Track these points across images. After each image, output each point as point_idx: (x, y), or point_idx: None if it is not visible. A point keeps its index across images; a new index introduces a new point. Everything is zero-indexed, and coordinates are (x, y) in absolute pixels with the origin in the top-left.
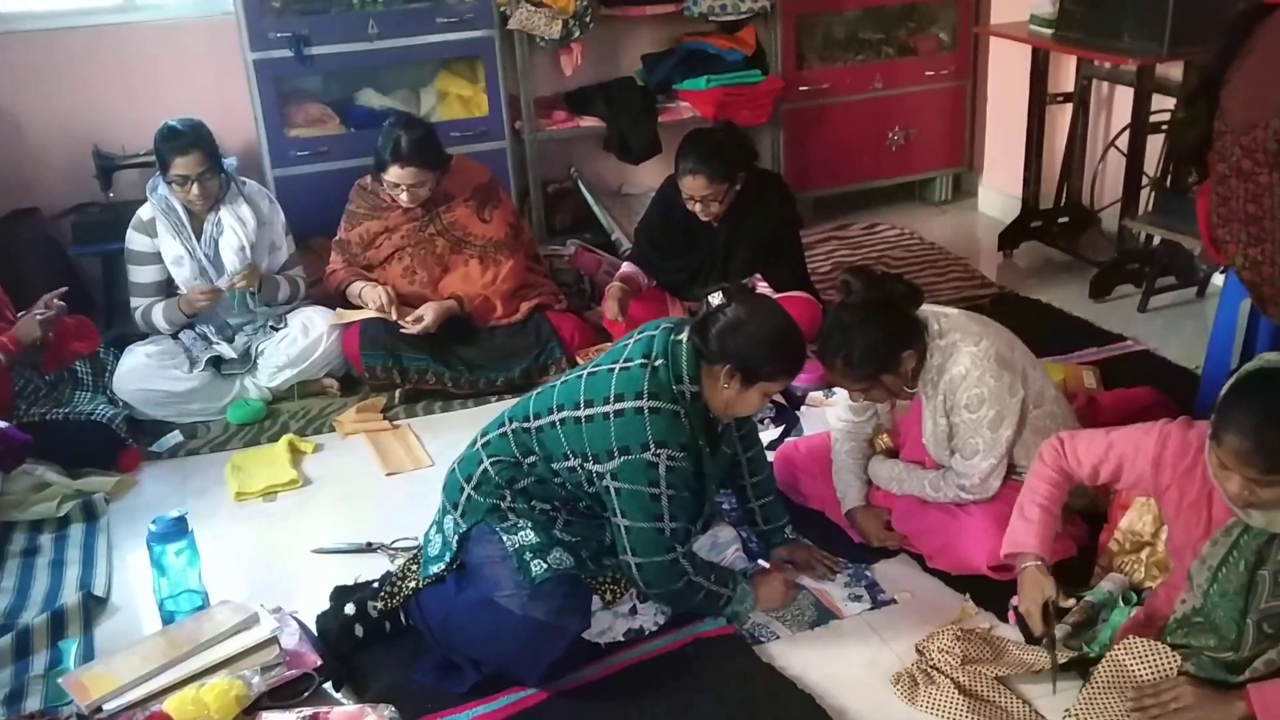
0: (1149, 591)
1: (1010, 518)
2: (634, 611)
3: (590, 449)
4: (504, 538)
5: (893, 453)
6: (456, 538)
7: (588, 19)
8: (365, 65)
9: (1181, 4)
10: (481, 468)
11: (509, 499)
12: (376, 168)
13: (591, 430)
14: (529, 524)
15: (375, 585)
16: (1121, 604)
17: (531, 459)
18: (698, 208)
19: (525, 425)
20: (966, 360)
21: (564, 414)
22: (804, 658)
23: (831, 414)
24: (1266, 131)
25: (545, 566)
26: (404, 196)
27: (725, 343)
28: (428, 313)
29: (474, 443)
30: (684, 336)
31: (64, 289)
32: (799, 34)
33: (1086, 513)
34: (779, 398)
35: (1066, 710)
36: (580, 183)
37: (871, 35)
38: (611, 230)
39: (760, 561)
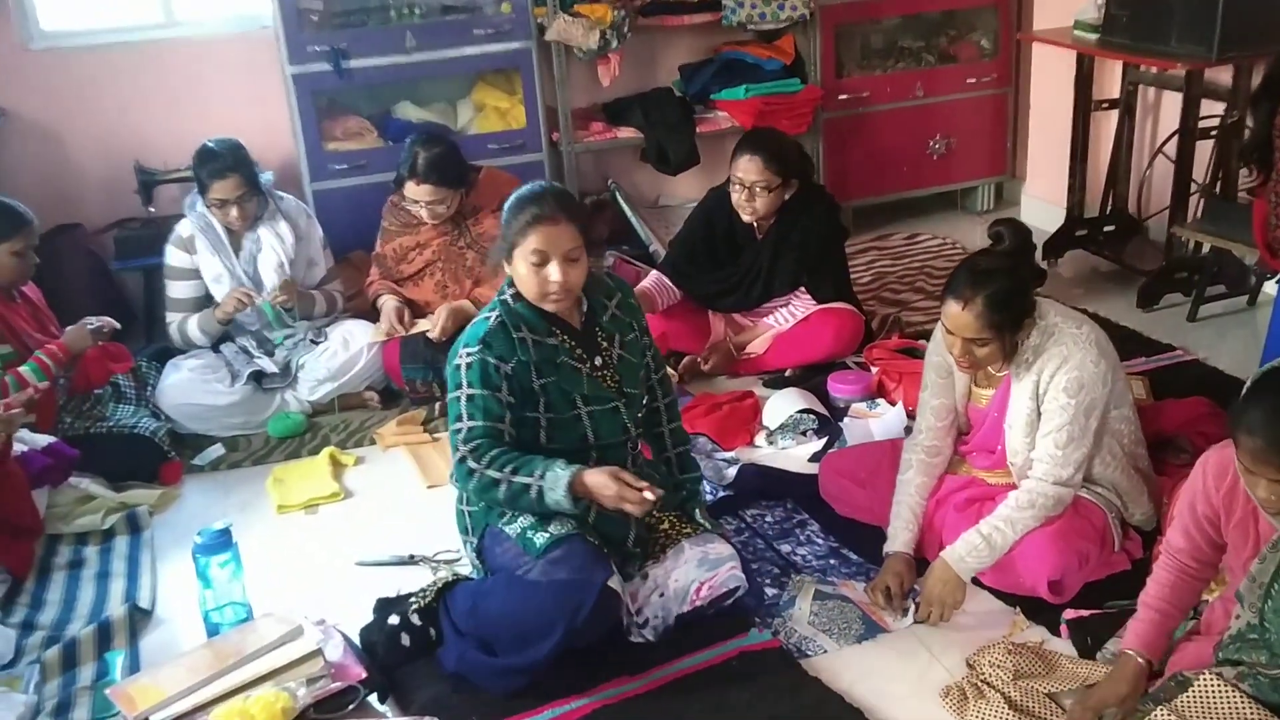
0: (1205, 605)
1: (1064, 532)
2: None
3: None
4: (506, 529)
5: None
6: (476, 555)
7: (625, 29)
8: (403, 78)
9: (1231, 8)
10: (459, 483)
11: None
12: (396, 184)
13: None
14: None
15: (398, 598)
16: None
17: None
18: (743, 198)
19: None
20: (1070, 342)
21: None
22: (852, 671)
23: (879, 428)
24: None
25: (548, 535)
26: (424, 213)
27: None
28: (440, 314)
29: None
30: None
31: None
32: (838, 42)
33: (1142, 527)
34: (822, 408)
35: None
36: (618, 194)
37: (911, 43)
38: (649, 242)
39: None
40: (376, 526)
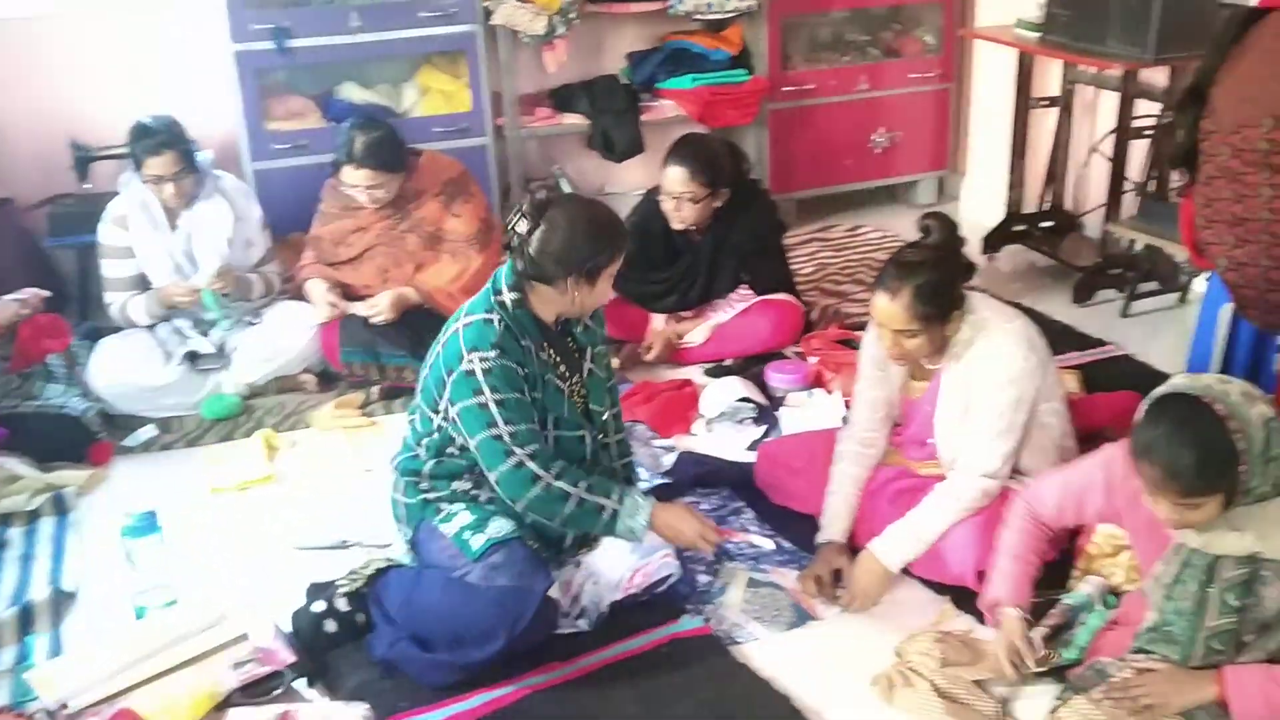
0: (1127, 595)
1: (992, 522)
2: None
3: (435, 391)
4: (441, 528)
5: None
6: (409, 545)
7: (572, 15)
8: (347, 59)
9: (1167, 10)
10: (397, 474)
11: (429, 487)
12: (334, 169)
13: (430, 373)
14: (461, 505)
15: (332, 583)
16: (1099, 607)
17: (425, 441)
18: (671, 207)
19: (415, 403)
20: (1000, 336)
21: (424, 373)
22: (781, 659)
23: (816, 417)
24: (1258, 131)
25: (486, 539)
26: (363, 197)
27: (553, 258)
28: (382, 300)
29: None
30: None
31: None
32: (785, 34)
33: None
34: (760, 397)
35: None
36: (563, 181)
37: (857, 37)
38: None
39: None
40: (310, 510)
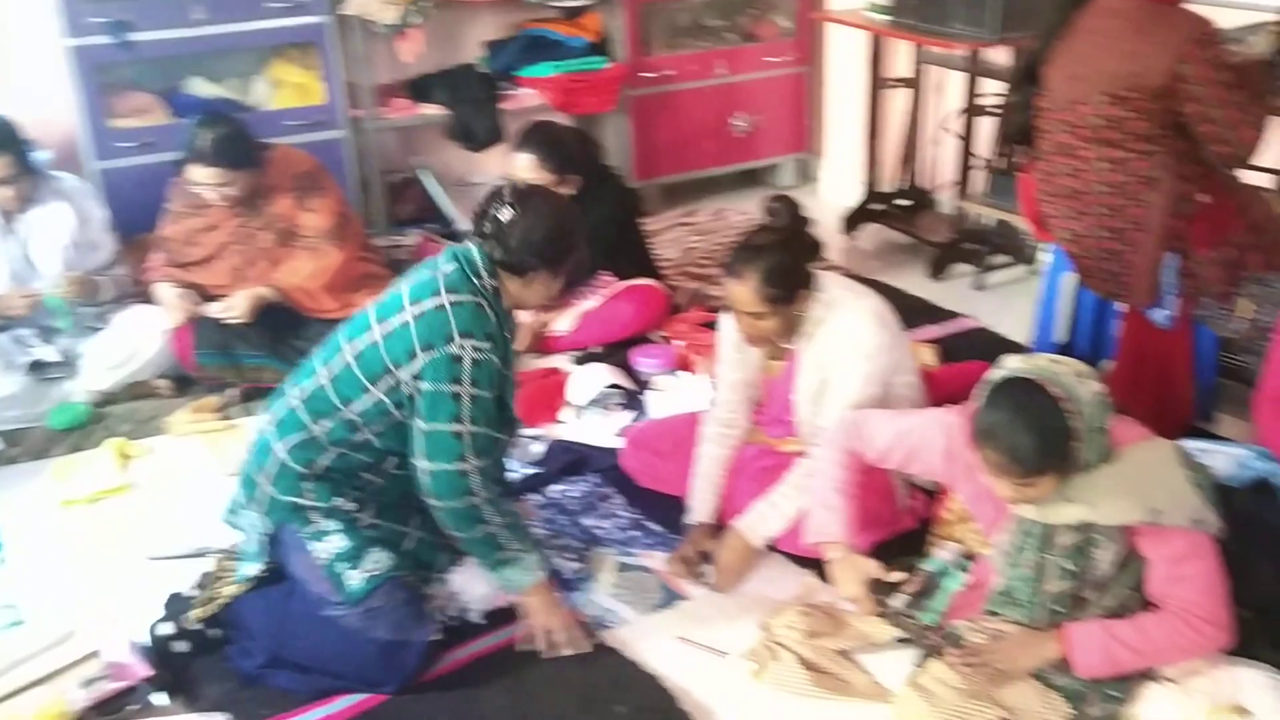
0: (979, 559)
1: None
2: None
3: (393, 359)
4: (310, 546)
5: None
6: (266, 538)
7: (426, 4)
8: (192, 52)
9: None
10: (276, 458)
11: (310, 493)
12: (179, 167)
13: (393, 341)
14: (336, 526)
15: (191, 596)
16: (956, 572)
17: (327, 422)
18: None
19: (316, 385)
20: (851, 315)
21: (359, 345)
22: (650, 639)
23: (682, 400)
24: (1090, 107)
25: (365, 577)
26: (212, 195)
27: (534, 250)
28: (238, 301)
29: (261, 430)
30: (470, 244)
31: None
32: (642, 20)
33: (927, 487)
34: (628, 382)
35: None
36: (424, 172)
37: (714, 22)
38: (457, 220)
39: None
40: (168, 519)
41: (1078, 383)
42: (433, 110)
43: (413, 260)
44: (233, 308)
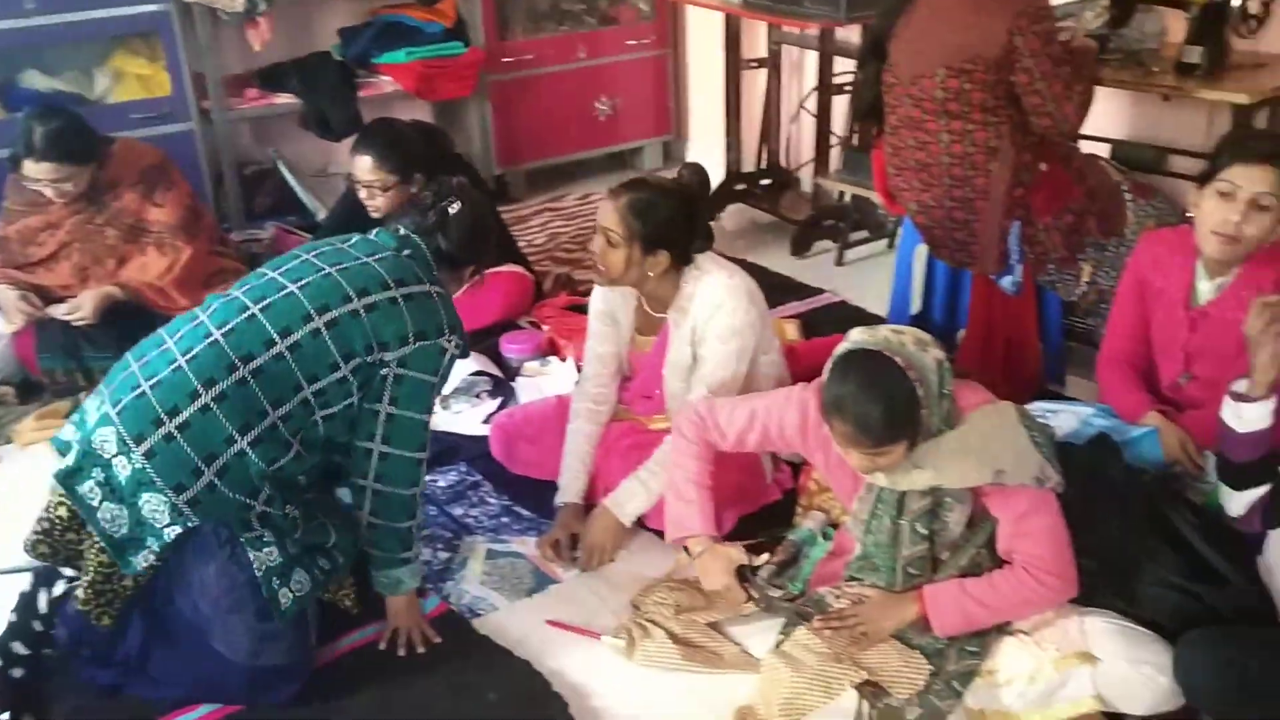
0: (841, 526)
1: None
2: None
3: (382, 336)
4: (249, 553)
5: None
6: (173, 530)
7: None
8: (26, 43)
9: None
10: (234, 448)
11: (263, 497)
12: (12, 164)
13: (379, 317)
14: (272, 537)
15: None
16: (821, 540)
17: (287, 406)
18: (365, 196)
19: (270, 356)
20: (723, 291)
21: (332, 313)
22: (523, 625)
23: (551, 385)
24: (934, 80)
25: (291, 596)
26: (50, 192)
27: (470, 246)
28: (85, 301)
29: (189, 400)
30: (405, 231)
31: None
32: (500, 5)
33: (792, 460)
34: (495, 370)
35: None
36: (280, 163)
37: (573, 6)
38: (317, 211)
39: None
40: (15, 530)
41: (920, 351)
42: (286, 100)
43: (270, 254)
44: (79, 308)
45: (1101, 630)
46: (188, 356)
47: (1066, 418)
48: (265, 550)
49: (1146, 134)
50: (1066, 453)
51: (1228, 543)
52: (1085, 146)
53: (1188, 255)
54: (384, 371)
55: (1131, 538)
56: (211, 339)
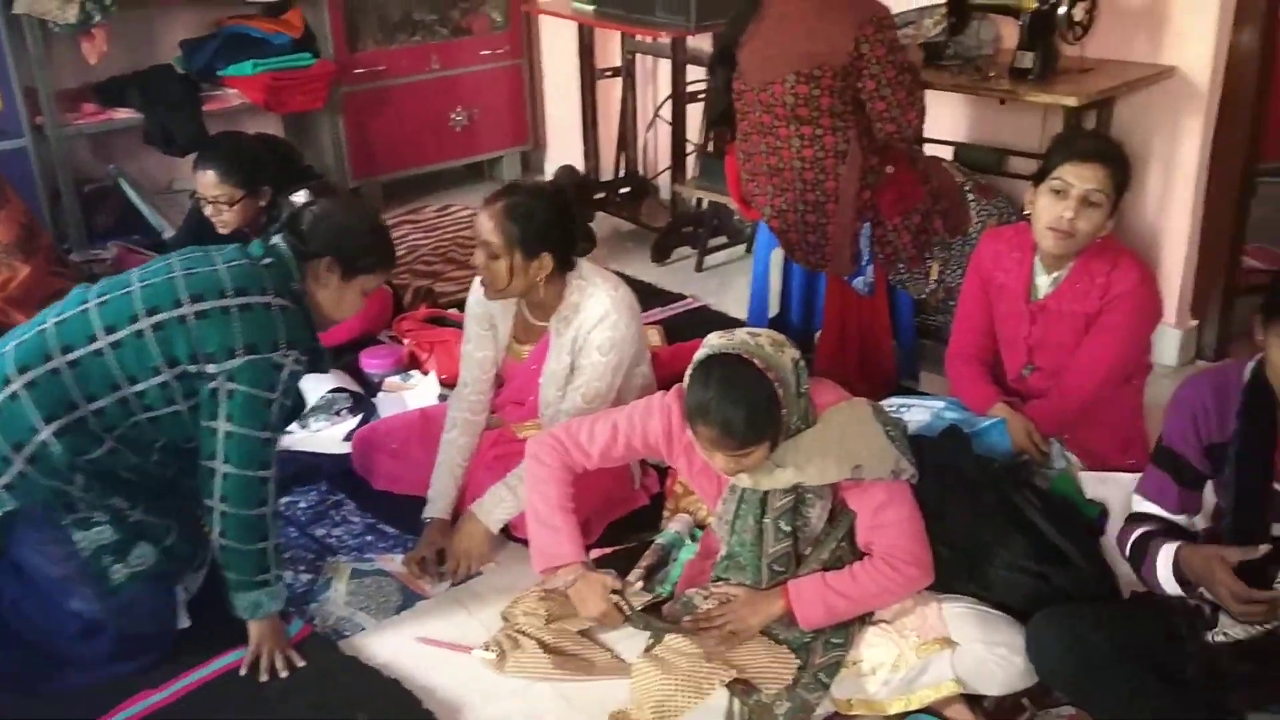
0: (708, 528)
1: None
2: None
3: (207, 346)
4: (74, 534)
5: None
6: None
7: (109, 2)
8: None
9: None
10: (37, 437)
11: (79, 482)
12: None
13: (207, 326)
14: (105, 517)
15: None
16: (689, 542)
17: (101, 402)
18: (211, 212)
19: (90, 350)
20: (607, 302)
21: (160, 316)
22: (392, 644)
23: (413, 398)
24: (783, 86)
25: (126, 572)
26: None
27: (322, 234)
28: None
29: (2, 387)
30: (277, 240)
31: None
32: (349, 16)
33: (659, 465)
34: (355, 386)
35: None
36: (121, 180)
37: (425, 16)
38: (162, 229)
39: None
40: None
41: (776, 352)
42: (127, 115)
43: (113, 273)
44: None
45: (958, 615)
46: (16, 343)
47: (919, 412)
48: (95, 529)
49: (986, 137)
50: (919, 446)
51: (1072, 526)
52: (929, 149)
53: (1026, 251)
54: (213, 385)
55: (982, 524)
56: (43, 328)
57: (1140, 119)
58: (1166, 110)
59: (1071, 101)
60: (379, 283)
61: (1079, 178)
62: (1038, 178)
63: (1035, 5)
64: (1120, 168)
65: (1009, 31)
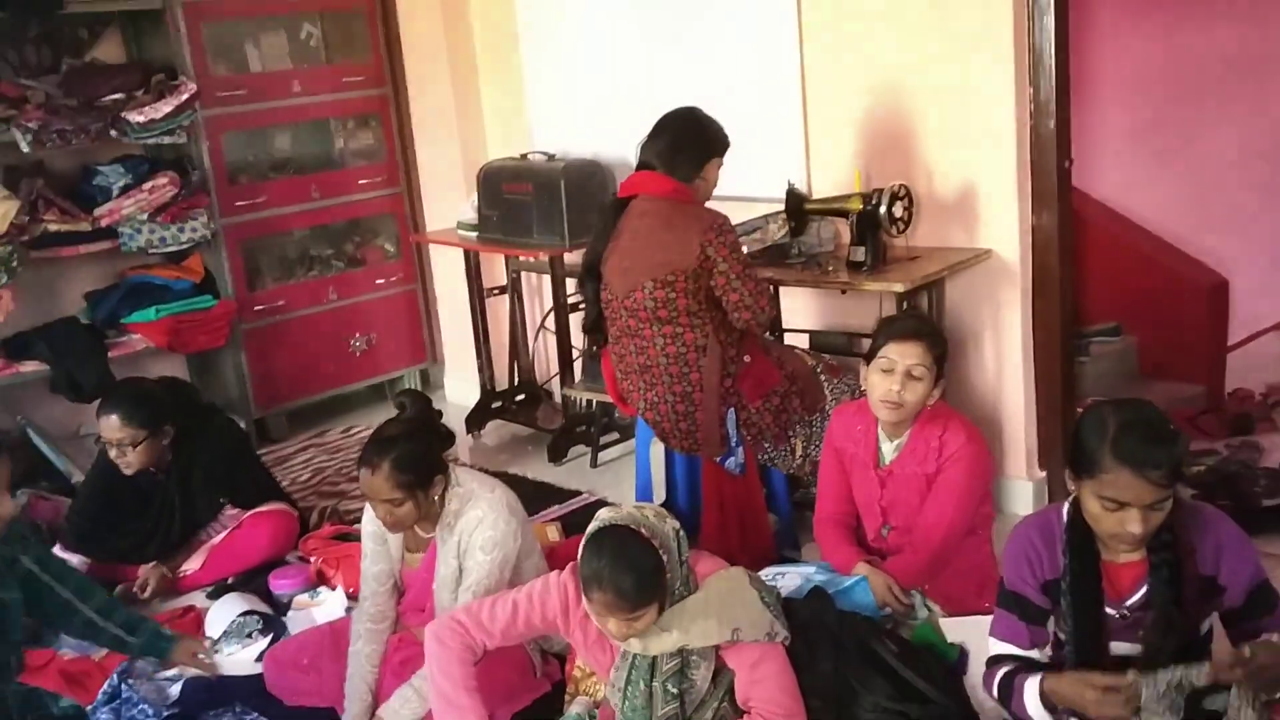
0: (604, 703)
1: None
2: None
3: None
4: None
5: None
6: None
7: (15, 264)
8: None
9: (572, 205)
10: None
11: None
12: None
13: None
14: None
15: None
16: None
17: None
18: (115, 455)
19: None
20: (485, 505)
21: None
22: None
23: (323, 614)
24: (644, 293)
25: None
26: None
27: None
28: None
29: None
30: None
31: None
32: (248, 257)
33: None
34: (265, 607)
35: None
36: (30, 430)
37: (321, 251)
38: (71, 475)
39: None
40: None
41: (660, 522)
42: (34, 367)
43: (24, 522)
44: None
45: None
46: None
47: (792, 578)
48: None
49: (836, 323)
50: (790, 608)
51: (929, 666)
52: (788, 338)
53: (870, 423)
54: None
55: (847, 672)
56: None
57: (968, 296)
58: (988, 287)
59: (899, 287)
60: None
61: (901, 354)
62: (868, 357)
63: (861, 206)
64: (936, 341)
65: (844, 230)
